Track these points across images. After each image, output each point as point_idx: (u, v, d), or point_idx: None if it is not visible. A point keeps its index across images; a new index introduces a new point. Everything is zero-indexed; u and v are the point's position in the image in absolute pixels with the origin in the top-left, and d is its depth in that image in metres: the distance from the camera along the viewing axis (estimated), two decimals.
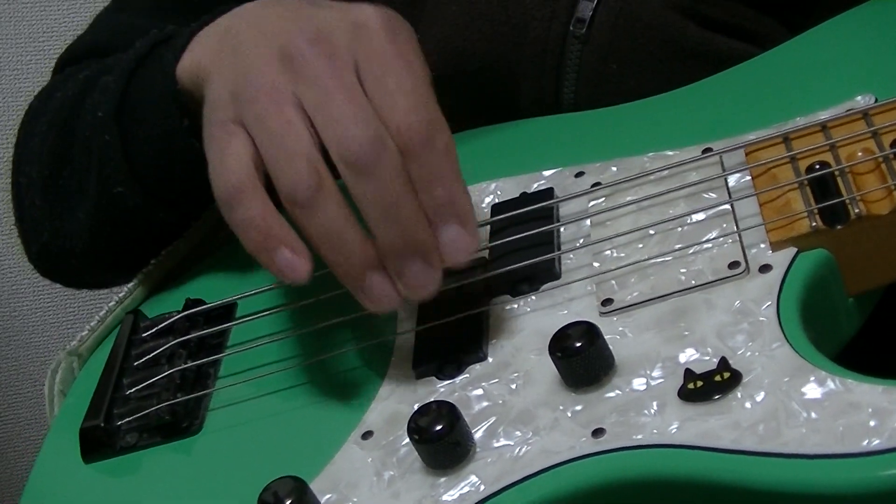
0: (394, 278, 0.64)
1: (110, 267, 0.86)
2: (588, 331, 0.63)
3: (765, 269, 0.64)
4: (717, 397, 0.60)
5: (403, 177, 0.62)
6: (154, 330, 0.78)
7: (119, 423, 0.73)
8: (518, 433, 0.63)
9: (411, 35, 0.66)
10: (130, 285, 0.83)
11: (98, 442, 0.73)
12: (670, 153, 0.73)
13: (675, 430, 0.59)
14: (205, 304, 0.78)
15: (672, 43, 0.76)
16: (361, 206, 0.63)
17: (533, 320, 0.68)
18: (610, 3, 0.77)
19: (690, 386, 0.61)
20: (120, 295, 0.83)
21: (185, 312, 0.78)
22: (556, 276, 0.69)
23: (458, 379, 0.67)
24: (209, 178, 0.66)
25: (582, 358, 0.62)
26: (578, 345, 0.62)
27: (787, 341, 0.61)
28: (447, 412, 0.62)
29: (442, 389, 0.67)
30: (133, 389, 0.75)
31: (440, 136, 0.62)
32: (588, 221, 0.71)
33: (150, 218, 0.80)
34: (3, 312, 1.50)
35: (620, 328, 0.65)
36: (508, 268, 0.70)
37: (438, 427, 0.62)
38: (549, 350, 0.63)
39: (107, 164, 0.78)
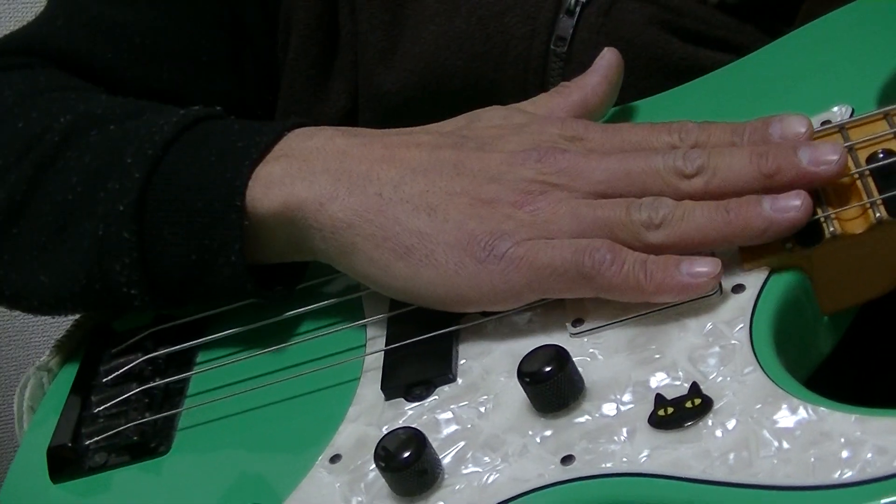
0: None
1: (59, 314, 0.79)
2: (557, 356, 0.61)
3: (738, 288, 0.63)
4: (687, 424, 0.59)
5: None
6: (123, 345, 0.77)
7: (87, 442, 0.72)
8: (487, 459, 0.62)
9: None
10: None
11: (66, 462, 0.72)
12: None
13: (644, 459, 0.58)
14: (174, 319, 0.77)
15: (656, 59, 0.74)
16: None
17: (503, 340, 0.67)
18: (591, 20, 0.75)
19: (661, 412, 0.60)
20: None
21: (155, 328, 0.76)
22: None
23: (426, 401, 0.66)
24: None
25: (551, 384, 0.61)
26: (547, 370, 0.61)
27: (760, 366, 0.60)
28: (414, 439, 0.61)
29: (410, 412, 0.66)
30: (101, 407, 0.74)
31: None
32: None
33: (140, 308, 0.74)
34: (3, 312, 1.49)
35: (591, 349, 0.64)
36: None
37: (405, 455, 0.61)
38: (518, 376, 0.62)
39: (115, 259, 0.71)
